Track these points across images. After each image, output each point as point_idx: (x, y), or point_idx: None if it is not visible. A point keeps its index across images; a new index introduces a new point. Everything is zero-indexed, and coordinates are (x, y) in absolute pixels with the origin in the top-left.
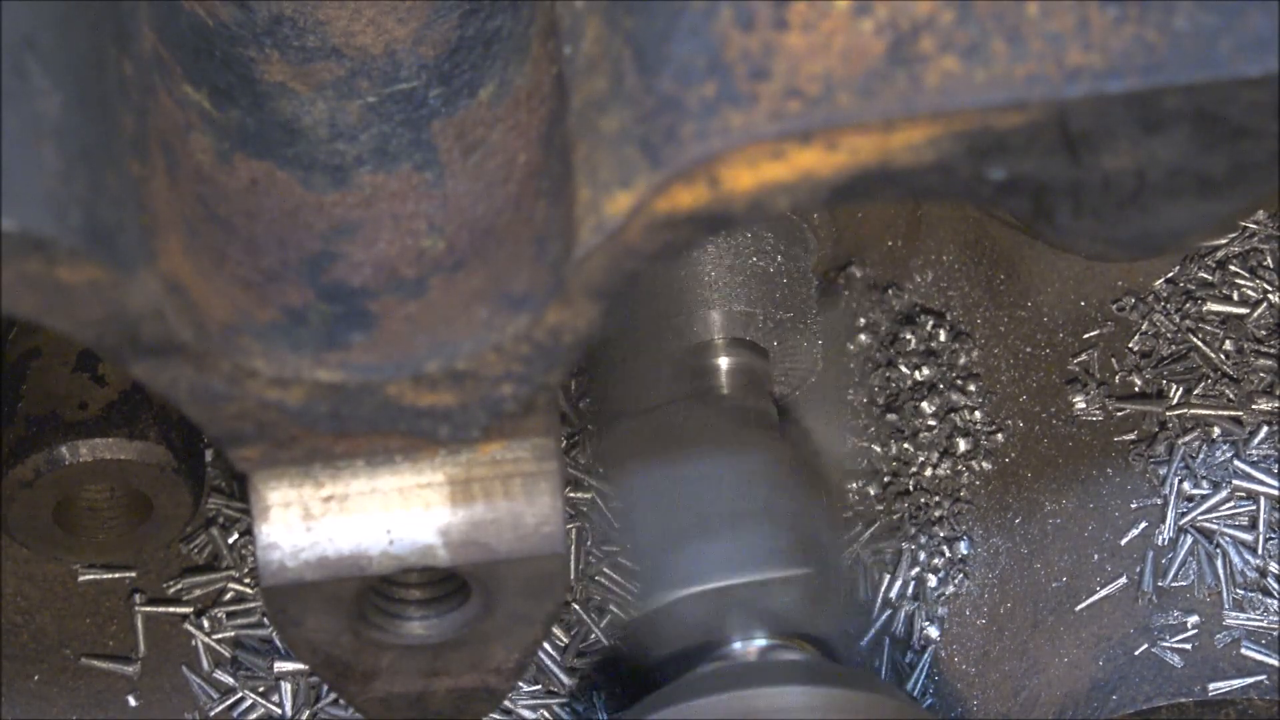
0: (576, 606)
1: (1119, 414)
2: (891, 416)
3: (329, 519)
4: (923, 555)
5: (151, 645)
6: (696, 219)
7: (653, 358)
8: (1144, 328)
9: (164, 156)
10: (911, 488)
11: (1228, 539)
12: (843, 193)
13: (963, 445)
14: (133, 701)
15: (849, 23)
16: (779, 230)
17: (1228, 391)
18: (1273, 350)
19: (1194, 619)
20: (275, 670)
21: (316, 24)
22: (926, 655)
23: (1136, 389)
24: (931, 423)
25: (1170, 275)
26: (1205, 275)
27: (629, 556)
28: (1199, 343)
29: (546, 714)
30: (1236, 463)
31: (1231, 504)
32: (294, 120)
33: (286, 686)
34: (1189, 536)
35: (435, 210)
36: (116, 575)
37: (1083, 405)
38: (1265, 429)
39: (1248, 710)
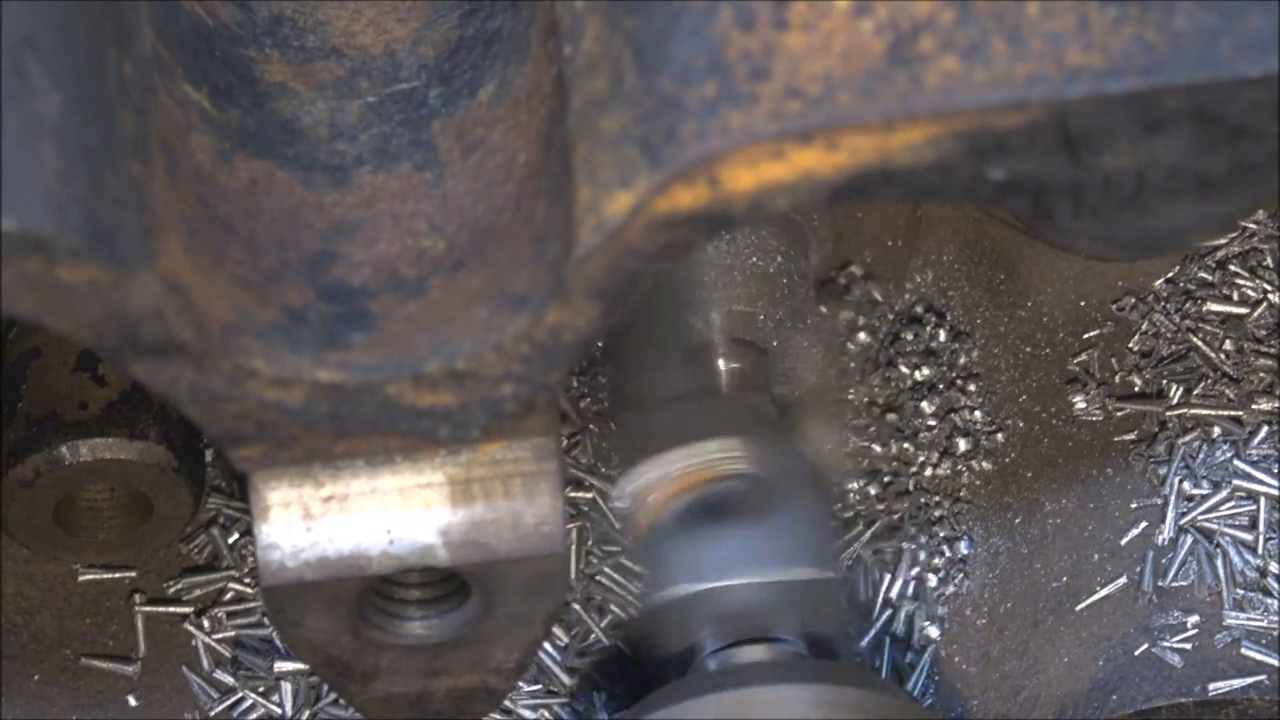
0: (576, 606)
1: (1119, 414)
2: (891, 416)
3: (329, 519)
4: (923, 555)
5: (151, 645)
6: (696, 219)
7: (659, 353)
8: (1144, 328)
9: (164, 156)
10: (911, 488)
11: (1228, 539)
12: (843, 193)
13: (963, 445)
14: (133, 701)
15: (849, 23)
16: (779, 230)
17: (1228, 391)
18: (1273, 350)
19: (1194, 619)
20: (275, 670)
21: (316, 24)
22: (926, 655)
23: (1136, 389)
24: (931, 423)
25: (1170, 275)
26: (1205, 275)
27: (637, 548)
28: (1199, 343)
29: (546, 714)
30: (1236, 463)
31: (1231, 504)
32: (294, 120)
33: (286, 686)
34: (1189, 536)
35: (435, 210)
36: (116, 575)
37: (1083, 405)
38: (1265, 429)
39: (1248, 710)
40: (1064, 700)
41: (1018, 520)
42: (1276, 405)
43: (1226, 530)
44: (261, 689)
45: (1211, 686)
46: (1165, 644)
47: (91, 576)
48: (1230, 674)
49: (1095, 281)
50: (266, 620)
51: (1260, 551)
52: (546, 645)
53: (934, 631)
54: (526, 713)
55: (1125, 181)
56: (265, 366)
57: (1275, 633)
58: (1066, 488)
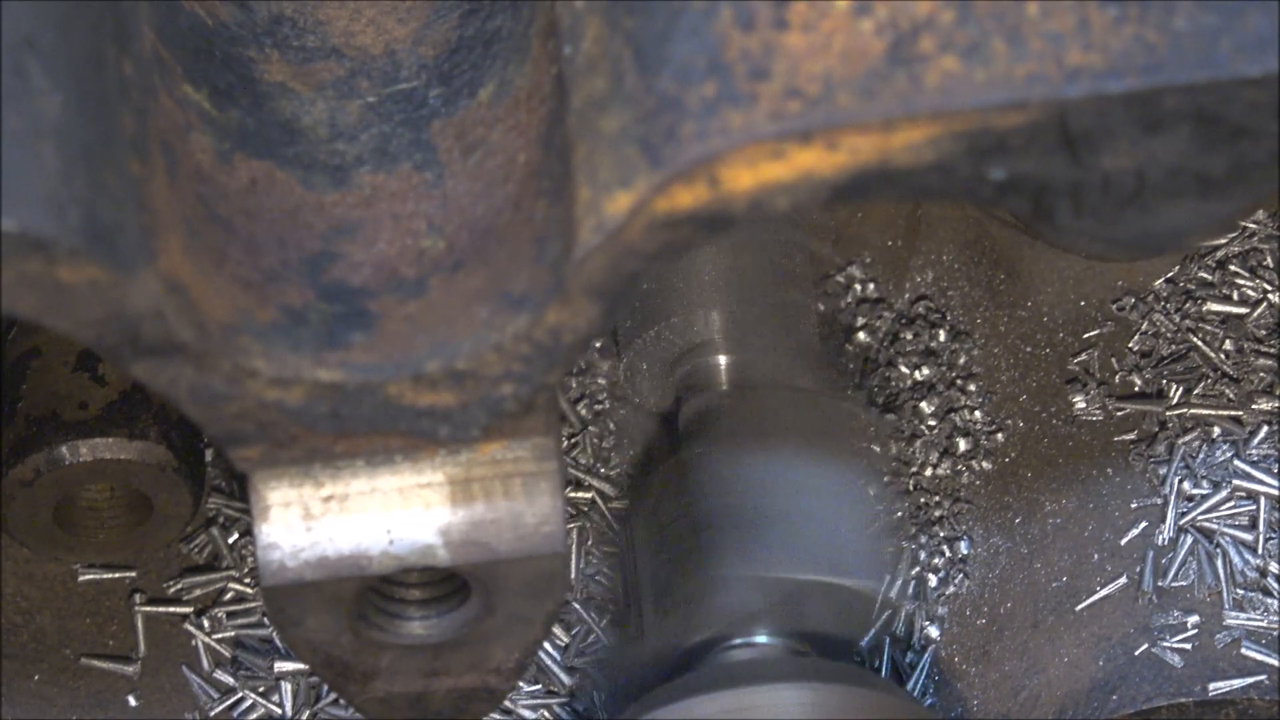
0: (577, 606)
1: (1119, 414)
2: (891, 416)
3: (329, 519)
4: (923, 555)
5: (151, 645)
6: (696, 219)
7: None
8: (1144, 328)
9: (164, 156)
10: (911, 488)
11: (1228, 539)
12: (843, 193)
13: (963, 445)
14: (133, 701)
15: (849, 23)
16: (779, 230)
17: (1228, 391)
18: (1273, 350)
19: (1194, 619)
20: (275, 670)
21: (316, 24)
22: (926, 655)
23: (1136, 389)
24: (931, 423)
25: (1170, 275)
26: (1205, 275)
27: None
28: (1199, 343)
29: (546, 714)
30: (1236, 463)
31: (1231, 504)
32: (294, 120)
33: (286, 686)
34: (1189, 536)
35: (435, 210)
36: (116, 575)
37: (1083, 405)
38: (1265, 429)
39: (1248, 710)
40: (1064, 700)
41: (1018, 520)
42: (1276, 405)
43: (1226, 530)
44: (261, 689)
45: (1211, 686)
46: (1165, 644)
47: (91, 576)
48: (1230, 674)
49: (1095, 281)
50: (266, 620)
51: (1260, 551)
52: (546, 645)
53: (934, 631)
54: (526, 713)
55: (1125, 181)
56: (265, 366)
57: (1275, 633)
58: (1066, 488)
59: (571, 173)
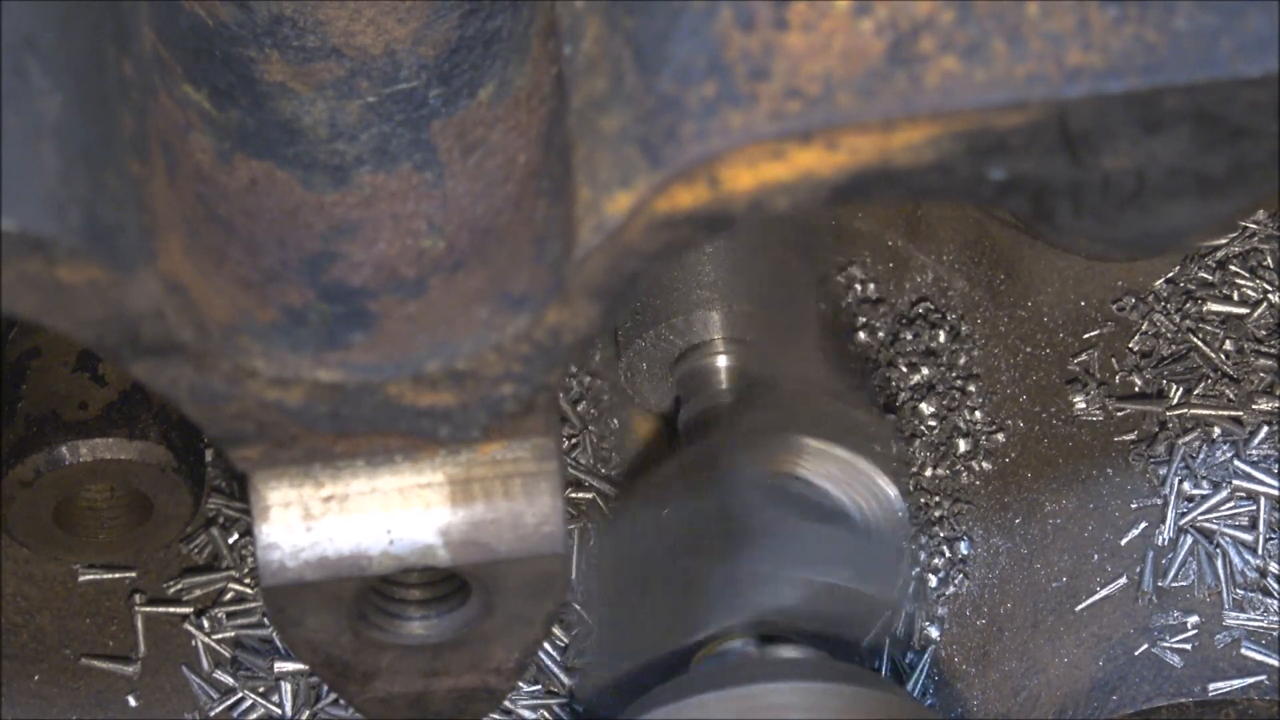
0: (577, 606)
1: (1119, 414)
2: (891, 417)
3: (329, 519)
4: (923, 555)
5: (151, 645)
6: (696, 219)
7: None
8: (1144, 328)
9: (164, 156)
10: (911, 488)
11: (1228, 539)
12: (843, 193)
13: (963, 445)
14: (133, 701)
15: (849, 23)
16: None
17: (1228, 391)
18: (1273, 350)
19: (1194, 619)
20: (275, 670)
21: (316, 24)
22: (926, 655)
23: (1136, 389)
24: (931, 423)
25: (1170, 275)
26: (1205, 275)
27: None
28: (1199, 343)
29: (546, 714)
30: (1236, 463)
31: (1231, 504)
32: (294, 120)
33: (286, 686)
34: (1189, 536)
35: (435, 210)
36: (116, 575)
37: (1083, 405)
38: (1265, 429)
39: (1248, 710)
40: (1064, 700)
41: (1018, 520)
42: (1276, 405)
43: (1226, 530)
44: (261, 689)
45: (1211, 686)
46: (1165, 644)
47: (91, 576)
48: (1230, 674)
49: (1095, 281)
50: (266, 620)
51: (1260, 551)
52: (546, 645)
53: (934, 632)
54: (526, 713)
55: (1125, 181)
56: (265, 366)
57: (1275, 633)
58: (1066, 488)
59: (571, 173)
